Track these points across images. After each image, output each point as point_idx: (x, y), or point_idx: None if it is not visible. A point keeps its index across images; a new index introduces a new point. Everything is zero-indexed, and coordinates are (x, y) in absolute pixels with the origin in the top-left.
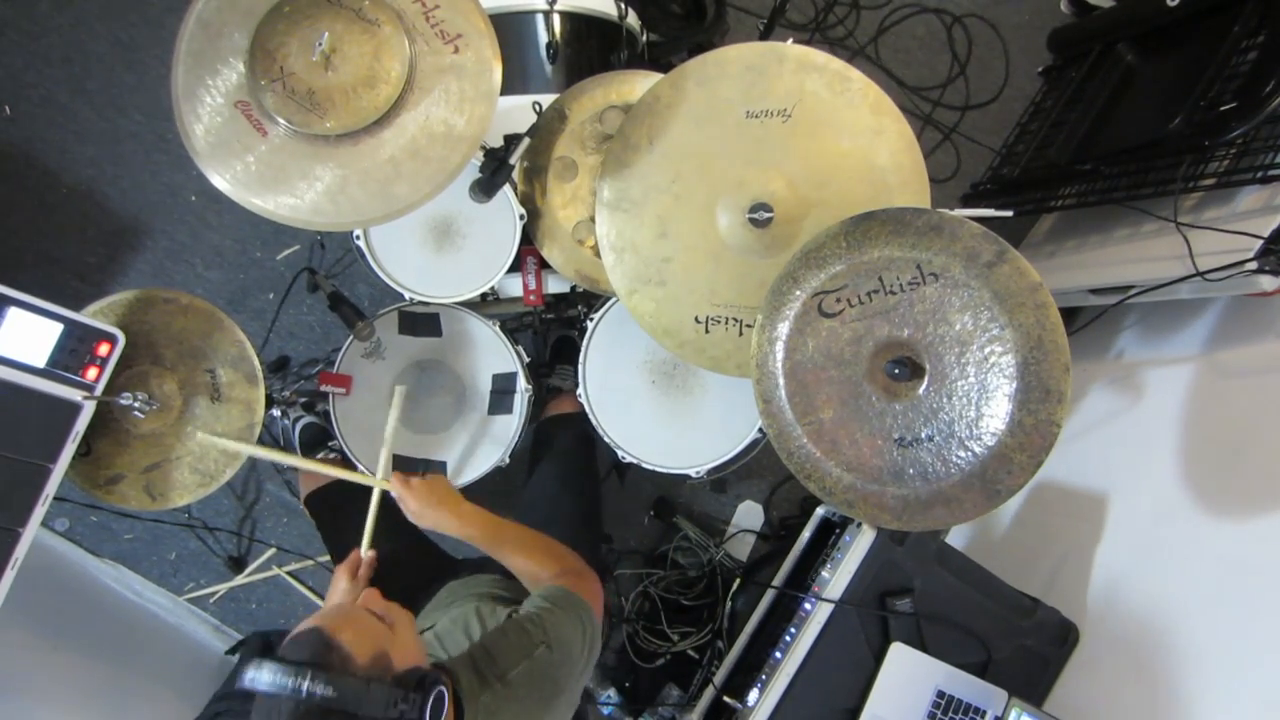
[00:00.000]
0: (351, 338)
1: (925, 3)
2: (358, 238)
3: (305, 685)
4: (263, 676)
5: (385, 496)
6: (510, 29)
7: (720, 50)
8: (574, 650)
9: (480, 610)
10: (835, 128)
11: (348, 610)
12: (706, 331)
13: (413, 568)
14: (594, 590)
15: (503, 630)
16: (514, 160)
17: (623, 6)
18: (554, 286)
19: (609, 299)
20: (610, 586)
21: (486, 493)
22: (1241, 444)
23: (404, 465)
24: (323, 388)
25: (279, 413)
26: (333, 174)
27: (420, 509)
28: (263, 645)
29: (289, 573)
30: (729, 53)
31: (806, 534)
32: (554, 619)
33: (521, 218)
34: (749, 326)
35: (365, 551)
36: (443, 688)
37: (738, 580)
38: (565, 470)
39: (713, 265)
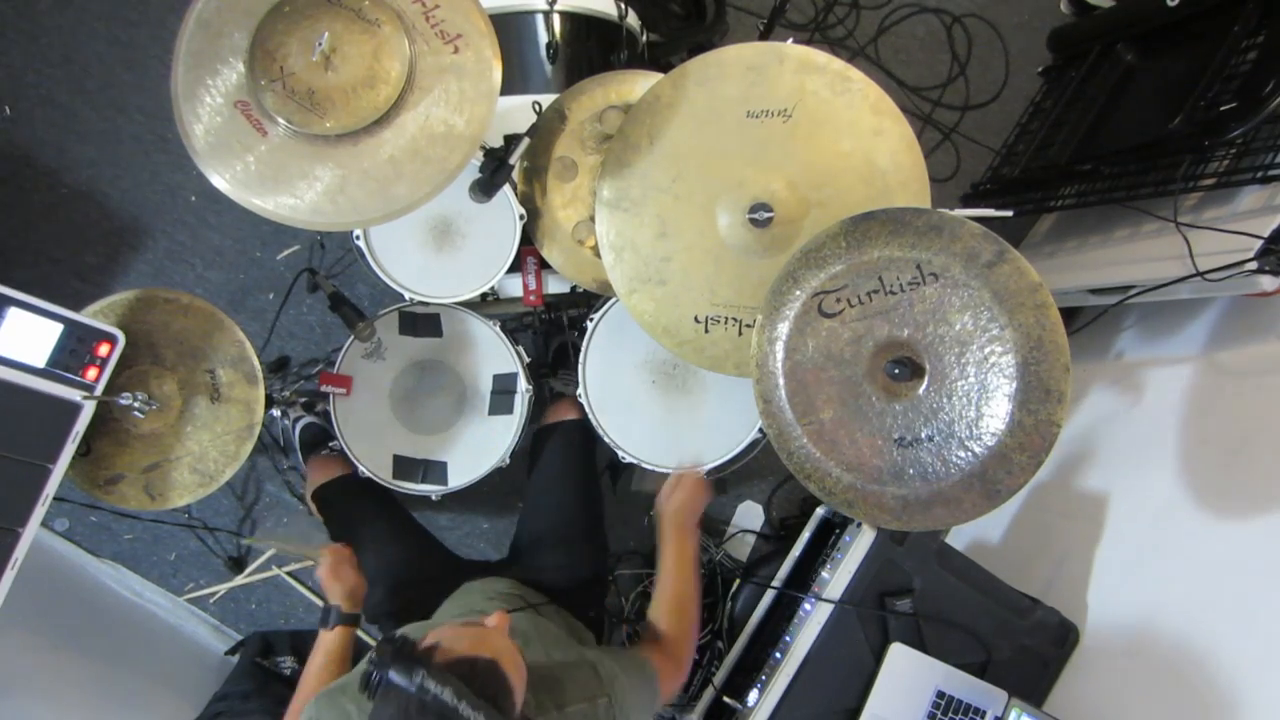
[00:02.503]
0: (352, 338)
1: (925, 3)
2: (358, 238)
3: (468, 713)
4: (432, 688)
5: (381, 494)
6: (510, 29)
7: (721, 50)
8: (626, 714)
9: (545, 630)
10: (836, 128)
11: (507, 645)
12: (706, 331)
13: (425, 567)
14: (673, 683)
15: (576, 664)
16: (514, 160)
17: (623, 6)
18: (554, 286)
19: (609, 299)
20: (610, 587)
21: (487, 493)
22: (1241, 444)
23: (404, 466)
24: (323, 388)
25: (279, 413)
26: (332, 174)
27: (692, 511)
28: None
29: (289, 573)
30: (730, 52)
31: (806, 534)
32: (625, 681)
33: (521, 218)
34: (748, 326)
35: (336, 546)
36: None
37: (738, 580)
38: (567, 477)
39: (712, 265)
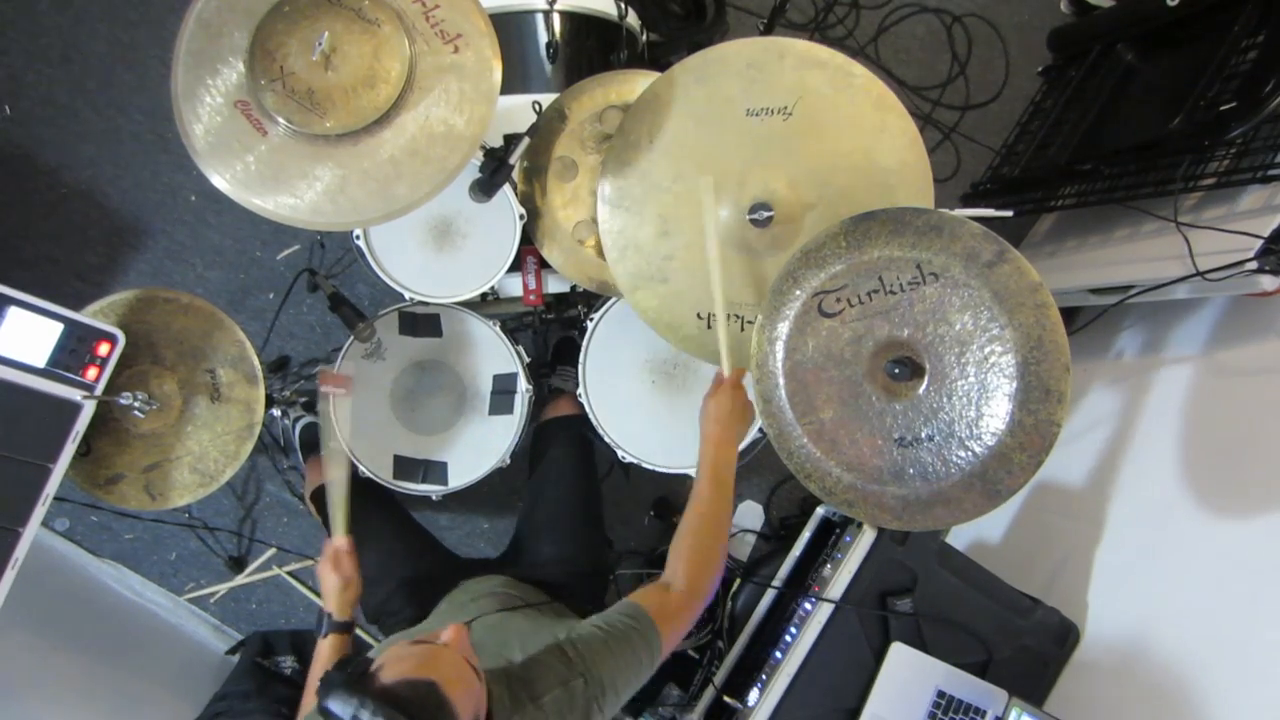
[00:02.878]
0: (352, 338)
1: (925, 2)
2: (358, 237)
3: None
4: (365, 718)
5: (381, 494)
6: (510, 29)
7: (721, 46)
8: (611, 685)
9: (515, 621)
10: (837, 125)
11: (454, 662)
12: (709, 326)
13: (425, 567)
14: (683, 620)
15: (545, 654)
16: (514, 160)
17: (623, 6)
18: (554, 286)
19: (609, 299)
20: (611, 586)
21: (487, 493)
22: (1241, 444)
23: (404, 466)
24: (323, 388)
25: (279, 413)
26: (332, 174)
27: (730, 409)
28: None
29: (289, 573)
30: (730, 49)
31: (806, 534)
32: (600, 652)
33: (521, 217)
34: (750, 322)
35: (338, 538)
36: None
37: (738, 580)
38: (567, 473)
39: None
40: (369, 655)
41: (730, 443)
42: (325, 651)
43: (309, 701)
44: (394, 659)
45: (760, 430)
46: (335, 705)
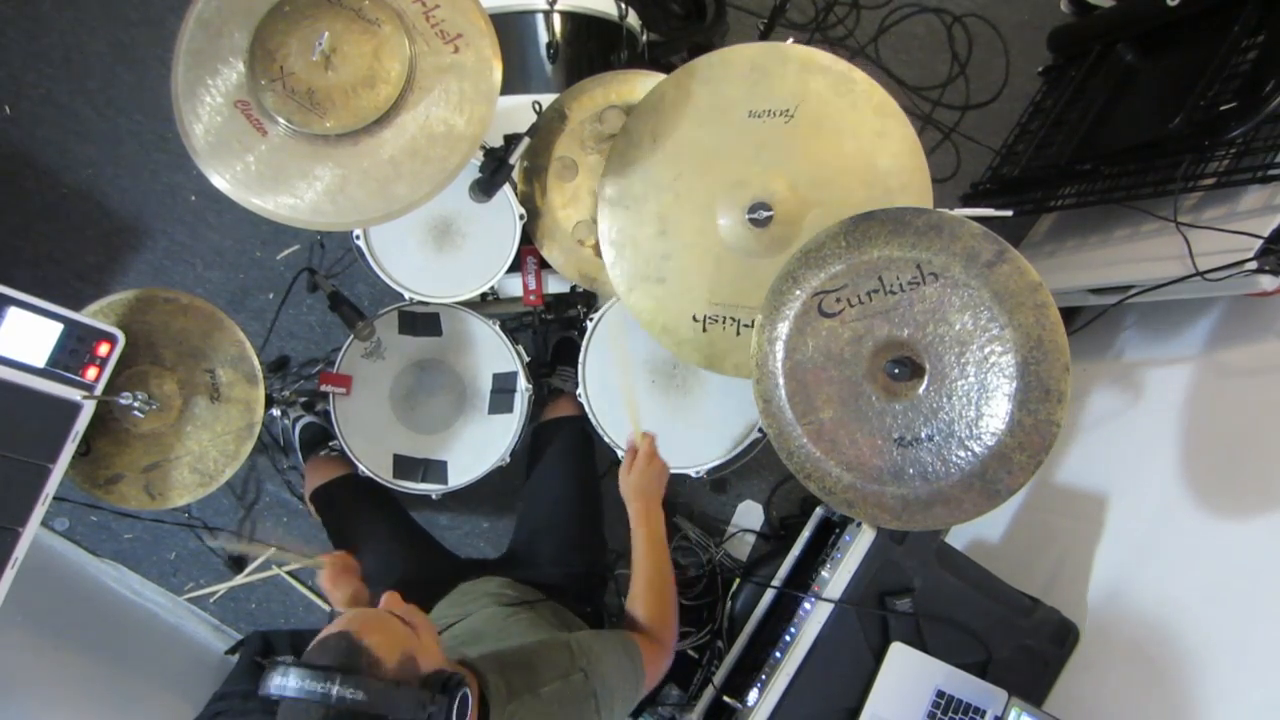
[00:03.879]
0: (352, 338)
1: (925, 2)
2: (357, 237)
3: (335, 690)
4: (290, 682)
5: (381, 494)
6: (510, 29)
7: (725, 49)
8: (610, 690)
9: (516, 616)
10: (838, 129)
11: (372, 614)
12: (704, 330)
13: (424, 567)
14: (657, 666)
15: (546, 645)
16: (514, 160)
17: (623, 6)
18: (554, 286)
19: (609, 299)
20: (610, 586)
21: (487, 493)
22: (1241, 444)
23: (404, 465)
24: (323, 388)
25: (279, 412)
26: (332, 174)
27: (649, 480)
28: (264, 647)
29: (289, 573)
30: (734, 52)
31: (806, 534)
32: (602, 654)
33: (521, 217)
34: (746, 326)
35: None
36: (467, 690)
37: (737, 580)
38: (566, 474)
39: (712, 264)
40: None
41: (658, 508)
42: None
43: None
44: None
45: (760, 430)
46: (273, 688)
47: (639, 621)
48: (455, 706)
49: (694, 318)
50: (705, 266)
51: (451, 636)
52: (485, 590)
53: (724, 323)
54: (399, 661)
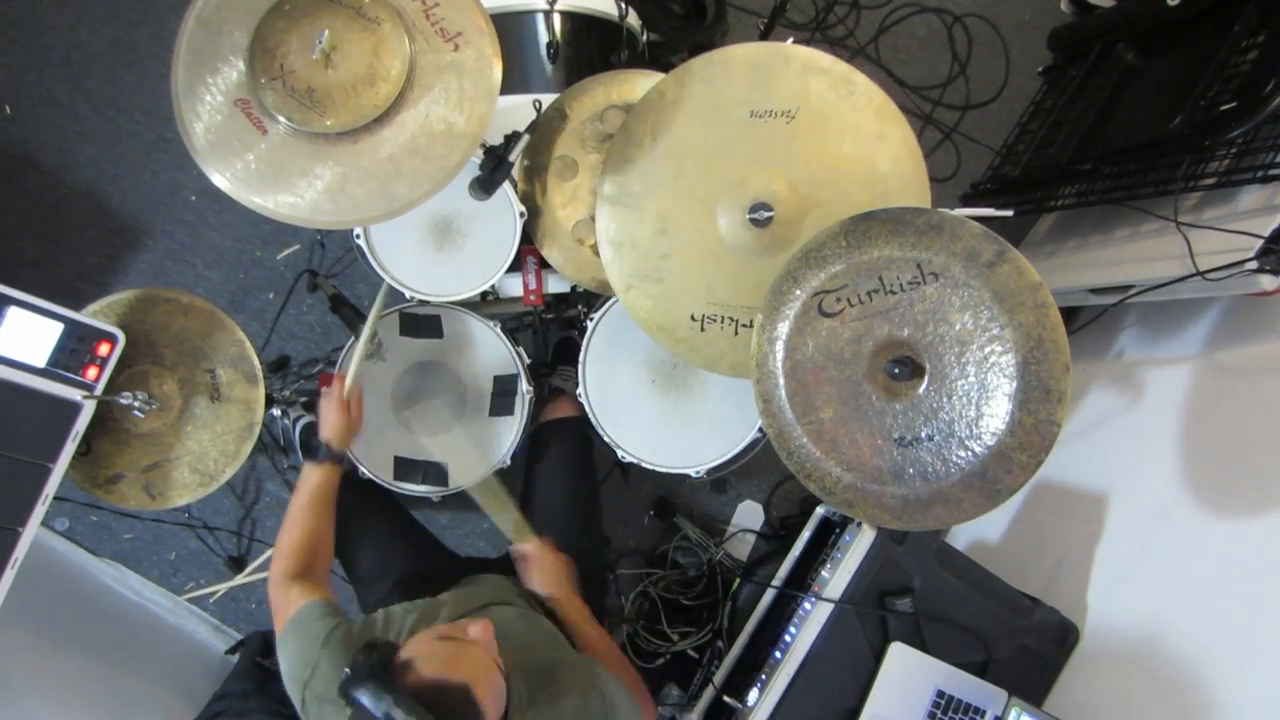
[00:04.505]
0: (353, 339)
1: (925, 2)
2: (358, 236)
3: None
4: (398, 716)
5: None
6: (511, 28)
7: (726, 49)
8: (623, 715)
9: (539, 622)
10: (839, 131)
11: (483, 662)
12: (702, 330)
13: (426, 564)
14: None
15: (570, 660)
16: (514, 158)
17: (623, 6)
18: (554, 286)
19: (609, 299)
20: (610, 586)
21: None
22: (1241, 444)
23: (405, 467)
24: (323, 388)
25: (279, 412)
26: (333, 172)
27: (552, 574)
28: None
29: None
30: (735, 51)
31: (806, 533)
32: (618, 687)
33: (522, 215)
34: (745, 326)
35: (349, 385)
36: None
37: (737, 580)
38: (565, 475)
39: (711, 264)
40: (392, 640)
41: (574, 593)
42: (316, 478)
43: (288, 533)
44: (425, 656)
45: (760, 430)
46: (366, 699)
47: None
48: None
49: (692, 317)
50: (704, 266)
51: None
52: (499, 584)
53: (722, 322)
54: (496, 713)
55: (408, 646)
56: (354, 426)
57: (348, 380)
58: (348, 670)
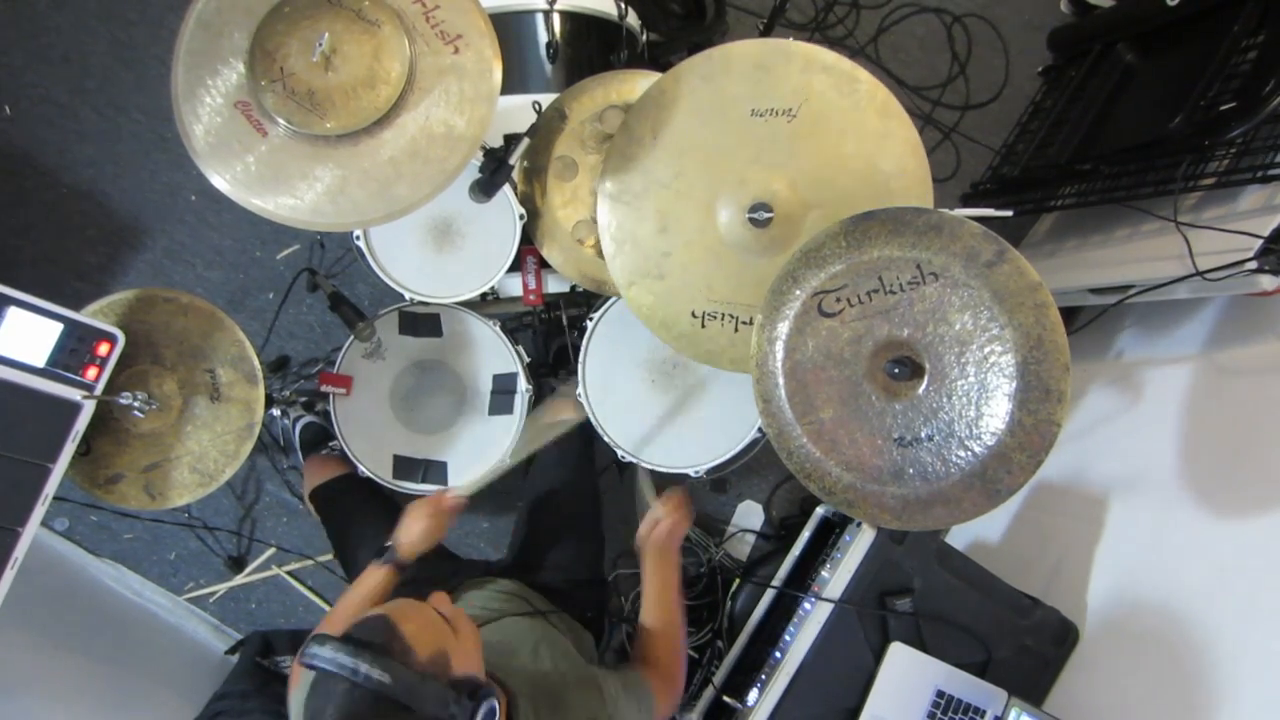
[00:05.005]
0: (352, 338)
1: (925, 2)
2: (358, 238)
3: (363, 668)
4: (323, 653)
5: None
6: (510, 29)
7: (727, 46)
8: None
9: (547, 637)
10: (841, 129)
11: (416, 605)
12: (703, 326)
13: (425, 566)
14: (667, 709)
15: (579, 681)
16: (514, 160)
17: (623, 6)
18: (554, 286)
19: (609, 299)
20: (610, 587)
21: (487, 493)
22: (1241, 444)
23: (404, 466)
24: (323, 388)
25: (279, 412)
26: (332, 174)
27: (678, 527)
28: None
29: (289, 572)
30: (736, 49)
31: (806, 533)
32: (625, 708)
33: (521, 217)
34: (745, 324)
35: (461, 494)
36: (495, 703)
37: (737, 580)
38: (565, 477)
39: (711, 261)
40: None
41: (677, 559)
42: (376, 580)
43: (336, 621)
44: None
45: (760, 430)
46: (308, 660)
47: (649, 665)
48: (481, 714)
49: (693, 314)
50: (705, 264)
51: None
52: (501, 590)
53: (722, 319)
54: (431, 655)
55: None
56: (432, 543)
57: (459, 492)
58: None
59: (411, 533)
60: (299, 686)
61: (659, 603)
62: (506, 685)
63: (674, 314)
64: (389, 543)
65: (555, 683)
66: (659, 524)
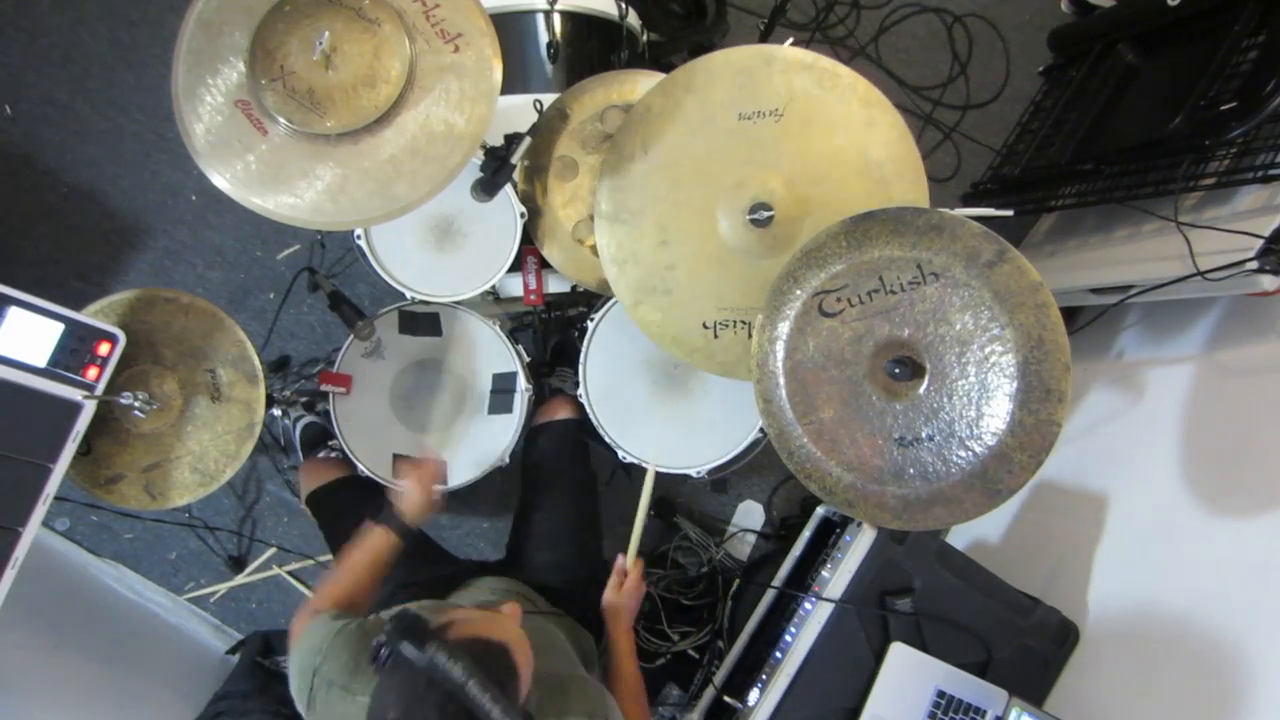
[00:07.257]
0: (351, 337)
1: (926, 2)
2: (358, 237)
3: (473, 690)
4: (446, 666)
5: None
6: (511, 28)
7: (707, 56)
8: None
9: (554, 634)
10: (827, 123)
11: (518, 632)
12: (716, 336)
13: (424, 568)
14: None
15: (583, 680)
16: (515, 160)
17: (623, 6)
18: (554, 286)
19: (610, 299)
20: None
21: (486, 493)
22: (1241, 444)
23: None
24: (323, 387)
25: (279, 412)
26: (333, 173)
27: (635, 602)
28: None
29: (289, 572)
30: (717, 59)
31: (807, 533)
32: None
33: (522, 216)
34: (744, 324)
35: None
36: None
37: (738, 580)
38: (564, 478)
39: (717, 269)
40: (416, 612)
41: (630, 624)
42: (379, 541)
43: (335, 584)
44: (461, 620)
45: (761, 430)
46: (409, 649)
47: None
48: None
49: (704, 325)
50: (710, 273)
51: None
52: (504, 589)
53: (735, 327)
54: (529, 693)
55: (444, 615)
56: (432, 510)
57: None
58: (384, 633)
59: (411, 505)
60: (304, 635)
61: (630, 665)
62: None
63: (685, 328)
64: (395, 511)
65: (558, 675)
66: (620, 607)
